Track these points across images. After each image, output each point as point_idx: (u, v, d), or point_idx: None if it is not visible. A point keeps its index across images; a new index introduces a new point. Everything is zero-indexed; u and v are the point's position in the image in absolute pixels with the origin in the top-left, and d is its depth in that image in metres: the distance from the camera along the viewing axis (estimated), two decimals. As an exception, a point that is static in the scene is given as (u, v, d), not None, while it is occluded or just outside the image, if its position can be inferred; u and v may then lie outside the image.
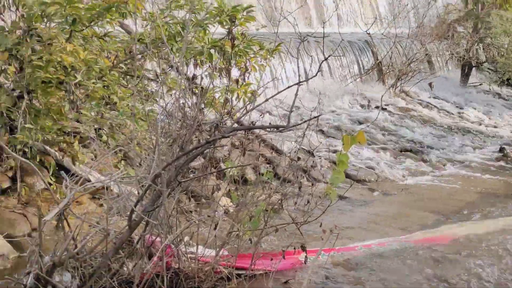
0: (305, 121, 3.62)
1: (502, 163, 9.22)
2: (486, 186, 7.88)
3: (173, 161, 3.11)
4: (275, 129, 3.57)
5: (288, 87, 3.56)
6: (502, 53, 15.06)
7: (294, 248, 4.21)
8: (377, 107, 12.04)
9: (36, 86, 5.37)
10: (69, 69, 5.27)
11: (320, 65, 3.61)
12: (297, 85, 3.55)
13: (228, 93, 4.76)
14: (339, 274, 4.67)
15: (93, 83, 5.26)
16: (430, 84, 14.14)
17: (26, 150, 5.45)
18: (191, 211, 4.76)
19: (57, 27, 5.48)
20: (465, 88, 15.36)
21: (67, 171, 5.67)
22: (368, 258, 5.07)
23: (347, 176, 6.83)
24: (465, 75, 15.57)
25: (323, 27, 3.51)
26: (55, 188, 5.44)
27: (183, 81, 3.91)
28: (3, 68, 5.57)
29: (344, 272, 4.74)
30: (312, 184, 4.43)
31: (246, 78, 5.47)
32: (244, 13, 5.65)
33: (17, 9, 5.85)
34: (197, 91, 4.17)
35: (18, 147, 5.30)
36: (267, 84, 4.23)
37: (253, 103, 3.95)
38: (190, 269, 3.88)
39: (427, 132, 11.20)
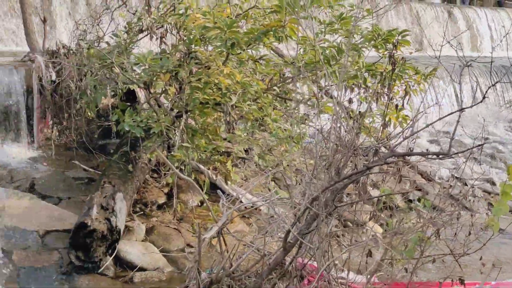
0: (468, 149, 3.53)
1: None
2: None
3: (331, 185, 3.18)
4: (436, 156, 3.51)
5: (451, 113, 3.50)
6: None
7: (452, 280, 4.09)
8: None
9: (194, 106, 5.72)
10: (225, 91, 5.57)
11: (486, 91, 3.51)
12: (459, 112, 3.49)
13: (384, 118, 4.76)
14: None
15: (248, 105, 5.50)
16: None
17: (182, 168, 5.80)
18: (342, 235, 4.78)
19: (215, 50, 5.82)
20: None
21: (219, 189, 5.98)
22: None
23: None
24: None
25: (491, 52, 3.43)
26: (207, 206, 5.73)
27: (338, 104, 4.00)
28: (164, 89, 6.02)
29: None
30: (472, 215, 4.28)
31: (402, 102, 5.43)
32: (399, 37, 5.63)
33: (178, 32, 6.29)
34: (352, 115, 4.23)
35: (176, 164, 5.66)
36: (427, 109, 4.18)
37: (410, 129, 3.92)
38: (341, 295, 3.90)
39: None
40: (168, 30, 6.28)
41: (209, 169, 6.38)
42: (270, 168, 6.39)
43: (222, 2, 6.09)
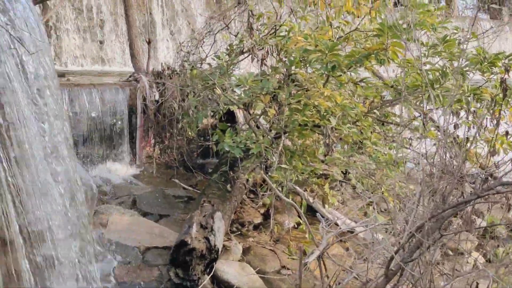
0: None
1: None
2: None
3: (438, 213, 3.14)
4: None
5: None
6: None
7: None
8: None
9: (292, 128, 5.80)
10: (325, 113, 5.61)
11: None
12: None
13: (492, 145, 4.63)
14: None
15: (348, 127, 5.51)
16: None
17: (279, 189, 5.88)
18: (442, 263, 4.67)
19: (315, 73, 5.89)
20: None
21: (315, 212, 6.01)
22: None
23: None
24: None
25: None
26: (304, 228, 5.79)
27: (442, 129, 3.94)
28: (264, 110, 6.15)
29: None
30: None
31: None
32: (506, 61, 5.48)
33: (278, 54, 6.43)
34: (459, 141, 4.15)
35: (274, 185, 5.75)
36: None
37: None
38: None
39: None
40: (269, 52, 6.42)
41: (305, 191, 6.43)
42: (368, 192, 6.37)
43: (323, 24, 6.15)
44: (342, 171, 6.32)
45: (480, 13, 21.23)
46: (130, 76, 7.51)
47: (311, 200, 6.24)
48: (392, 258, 3.28)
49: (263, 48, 6.51)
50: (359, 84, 6.04)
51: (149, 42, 8.05)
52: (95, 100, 6.73)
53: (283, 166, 5.68)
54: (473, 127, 5.11)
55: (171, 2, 14.19)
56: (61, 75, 7.39)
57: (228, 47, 6.61)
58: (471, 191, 3.38)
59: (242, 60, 6.76)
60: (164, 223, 5.94)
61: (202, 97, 6.09)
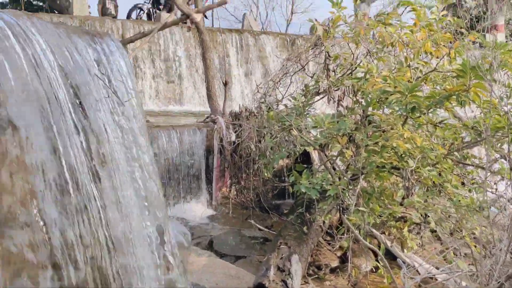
0: None
1: None
2: None
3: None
4: None
5: None
6: None
7: None
8: None
9: (370, 170, 5.78)
10: (403, 155, 5.58)
11: None
12: None
13: None
14: None
15: (428, 170, 5.44)
16: None
17: (356, 232, 5.84)
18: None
19: (393, 114, 5.88)
20: None
21: (392, 255, 5.93)
22: None
23: None
24: None
25: None
26: (382, 272, 5.70)
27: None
28: (340, 151, 6.17)
29: None
30: None
31: None
32: None
33: (355, 96, 6.46)
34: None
35: (353, 228, 5.72)
36: None
37: None
38: None
39: None
40: (346, 93, 6.47)
41: (382, 233, 6.35)
42: (448, 236, 6.25)
43: (401, 65, 6.15)
44: (421, 214, 6.23)
45: None
46: (207, 117, 7.71)
47: (389, 243, 6.16)
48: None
49: (338, 89, 6.56)
50: (438, 126, 5.97)
51: (226, 84, 8.27)
52: (173, 142, 6.95)
53: (361, 209, 5.65)
54: None
55: (245, 42, 14.53)
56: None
57: (304, 88, 6.70)
58: None
59: (317, 100, 6.84)
60: (241, 264, 5.99)
61: (279, 138, 6.18)
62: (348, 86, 6.42)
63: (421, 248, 6.56)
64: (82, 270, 2.47)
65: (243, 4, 30.45)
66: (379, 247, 6.02)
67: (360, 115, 6.19)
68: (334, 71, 6.69)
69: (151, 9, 16.42)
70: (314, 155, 7.27)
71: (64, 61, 2.49)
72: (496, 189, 5.58)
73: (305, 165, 6.40)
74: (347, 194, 5.92)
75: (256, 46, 14.79)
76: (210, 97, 8.15)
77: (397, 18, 6.36)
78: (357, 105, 6.41)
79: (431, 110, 5.66)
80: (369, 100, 5.95)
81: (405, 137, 5.42)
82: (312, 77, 6.79)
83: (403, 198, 6.04)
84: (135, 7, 16.43)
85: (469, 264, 4.89)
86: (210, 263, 5.95)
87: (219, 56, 13.35)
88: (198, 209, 7.18)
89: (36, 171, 2.21)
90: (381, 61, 6.35)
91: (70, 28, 2.79)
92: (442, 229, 6.03)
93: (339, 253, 6.42)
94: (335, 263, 6.29)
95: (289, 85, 6.95)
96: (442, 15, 6.21)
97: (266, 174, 6.78)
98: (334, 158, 6.31)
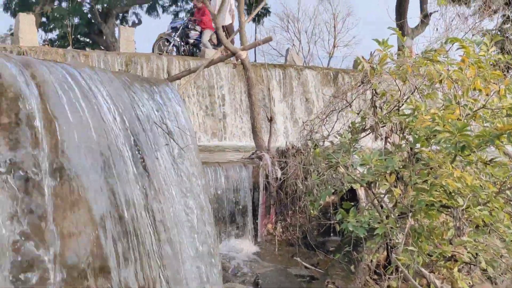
0: None
1: None
2: None
3: None
4: None
5: None
6: None
7: None
8: None
9: (419, 208, 5.73)
10: (453, 193, 5.52)
11: None
12: None
13: None
14: None
15: (479, 209, 5.37)
16: None
17: (405, 271, 5.77)
18: None
19: (443, 152, 5.84)
20: None
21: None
22: None
23: None
24: None
25: None
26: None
27: None
28: (388, 189, 6.14)
29: None
30: None
31: None
32: None
33: (402, 132, 6.45)
34: None
35: (402, 267, 5.65)
36: None
37: None
38: None
39: None
40: (393, 129, 6.46)
41: (431, 272, 6.26)
42: (500, 276, 6.13)
43: (449, 102, 6.12)
44: (473, 254, 6.13)
45: None
46: (252, 154, 7.78)
47: (438, 283, 6.05)
48: None
49: (385, 125, 6.56)
50: (488, 163, 5.90)
51: (270, 120, 8.34)
52: (220, 178, 7.03)
53: (410, 248, 5.60)
54: None
55: (288, 78, 14.67)
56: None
57: (351, 125, 6.72)
58: None
59: (363, 137, 6.84)
60: (287, 303, 5.99)
61: (326, 176, 6.19)
62: (396, 123, 6.41)
63: (471, 288, 6.44)
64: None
65: (285, 38, 30.82)
66: (428, 287, 5.94)
67: (407, 152, 6.16)
68: (380, 107, 6.69)
69: (179, 42, 16.60)
70: (360, 192, 7.25)
71: (124, 110, 2.59)
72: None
73: (351, 202, 6.38)
74: (395, 233, 5.87)
75: (299, 80, 14.91)
76: (255, 133, 8.23)
77: (444, 55, 6.36)
78: (404, 142, 6.39)
79: (482, 148, 5.61)
80: (416, 137, 5.93)
81: (455, 176, 5.36)
82: (358, 114, 6.80)
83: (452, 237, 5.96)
84: (161, 38, 16.66)
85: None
86: (256, 302, 5.97)
87: (263, 91, 13.51)
88: (243, 246, 7.21)
89: (99, 218, 2.29)
90: (429, 98, 6.34)
91: (129, 76, 2.90)
92: (494, 269, 5.91)
93: (388, 293, 6.35)
94: (384, 304, 6.22)
95: (335, 122, 6.98)
96: (491, 51, 6.19)
97: (312, 211, 6.79)
98: (382, 195, 6.28)
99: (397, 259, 5.53)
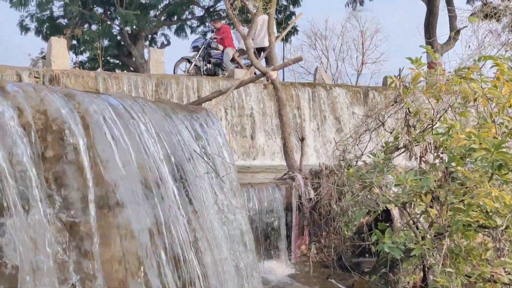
0: None
1: None
2: None
3: None
4: None
5: None
6: None
7: None
8: None
9: (456, 228, 5.66)
10: (491, 213, 5.44)
11: None
12: None
13: None
14: None
15: (519, 229, 5.29)
16: None
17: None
18: None
19: (479, 171, 5.76)
20: None
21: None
22: None
23: None
24: None
25: None
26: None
27: None
28: (424, 210, 6.07)
29: None
30: None
31: None
32: None
33: (437, 152, 6.39)
34: None
35: (440, 289, 5.57)
36: None
37: None
38: None
39: None
40: (427, 148, 6.41)
41: (470, 294, 6.16)
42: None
43: (484, 120, 6.06)
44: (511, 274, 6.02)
45: None
46: (284, 174, 7.79)
47: (476, 306, 5.95)
48: None
49: (418, 144, 6.51)
50: (529, 182, 5.81)
51: (302, 140, 8.35)
52: (252, 199, 7.04)
53: (448, 270, 5.52)
54: None
55: (318, 97, 14.67)
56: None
57: (384, 145, 6.69)
58: None
59: (396, 156, 6.80)
60: (323, 326, 5.94)
61: (361, 196, 6.16)
62: (430, 142, 6.37)
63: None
64: None
65: (313, 56, 30.86)
66: (466, 308, 5.85)
67: (443, 171, 6.10)
68: (414, 126, 6.65)
69: (202, 62, 16.63)
70: (395, 212, 7.19)
71: (166, 139, 2.63)
72: None
73: (386, 223, 6.33)
74: (432, 254, 5.80)
75: (329, 99, 14.91)
76: (286, 153, 8.24)
77: (478, 72, 6.30)
78: (438, 161, 6.33)
79: (520, 167, 5.53)
80: (452, 155, 5.87)
81: (493, 195, 5.29)
82: (391, 133, 6.77)
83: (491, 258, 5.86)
84: (182, 59, 16.74)
85: None
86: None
87: (292, 110, 13.53)
88: (277, 268, 7.19)
89: (141, 244, 2.32)
90: (463, 116, 6.28)
91: (169, 104, 2.95)
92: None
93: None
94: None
95: (368, 141, 6.96)
96: (526, 68, 6.12)
97: (346, 232, 6.75)
98: (418, 216, 6.22)
99: (435, 281, 5.45)
